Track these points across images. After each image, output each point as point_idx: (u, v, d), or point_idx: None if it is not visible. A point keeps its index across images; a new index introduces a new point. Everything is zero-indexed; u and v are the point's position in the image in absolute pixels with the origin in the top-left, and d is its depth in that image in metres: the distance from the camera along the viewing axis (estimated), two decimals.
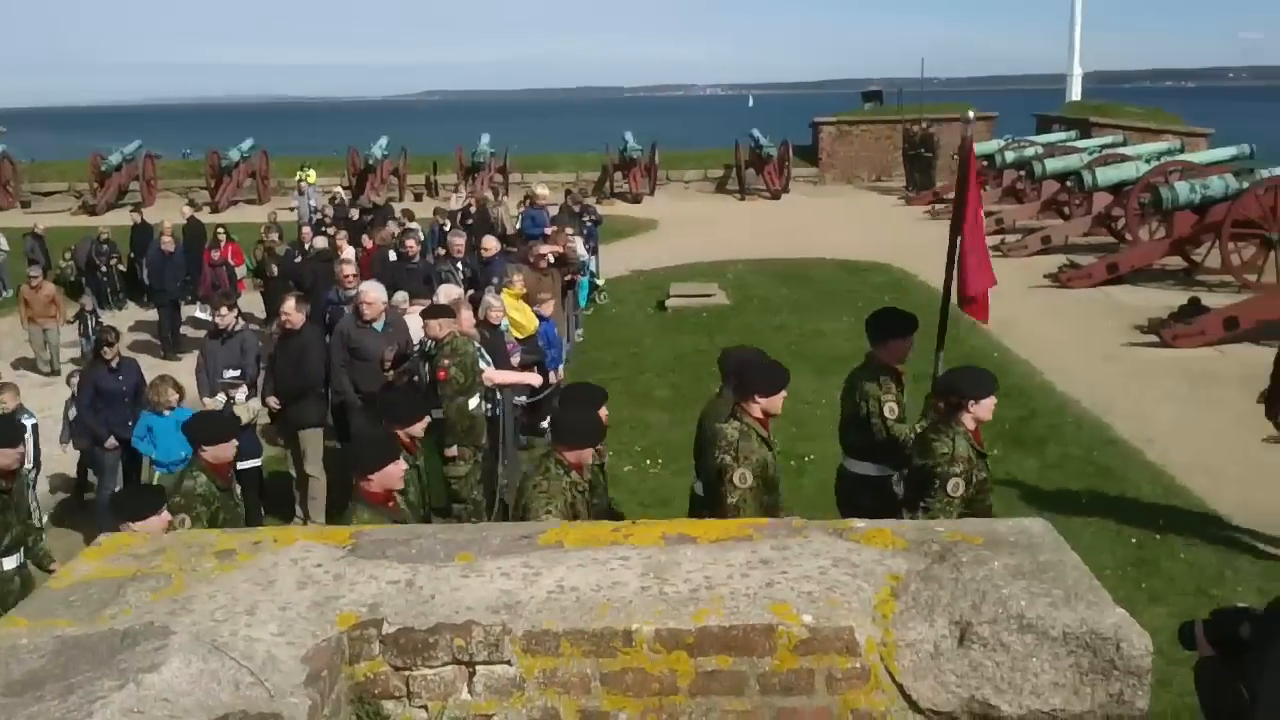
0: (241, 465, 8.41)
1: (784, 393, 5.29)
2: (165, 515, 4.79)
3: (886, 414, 5.72)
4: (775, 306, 16.13)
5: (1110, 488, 8.64)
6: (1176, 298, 14.64)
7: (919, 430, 5.55)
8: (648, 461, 9.81)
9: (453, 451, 7.90)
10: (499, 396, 8.71)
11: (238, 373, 8.77)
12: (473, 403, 8.02)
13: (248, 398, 8.71)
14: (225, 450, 5.49)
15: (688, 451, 10.03)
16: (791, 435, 9.67)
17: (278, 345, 8.82)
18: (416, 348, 8.49)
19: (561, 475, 5.05)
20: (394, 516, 4.76)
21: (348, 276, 10.35)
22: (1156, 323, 13.44)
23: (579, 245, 14.65)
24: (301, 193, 23.19)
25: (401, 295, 10.03)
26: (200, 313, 15.67)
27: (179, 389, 8.22)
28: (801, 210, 26.96)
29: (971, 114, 7.80)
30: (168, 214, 19.91)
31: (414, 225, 15.92)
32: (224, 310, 9.17)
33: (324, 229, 15.83)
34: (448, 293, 9.48)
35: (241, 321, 9.52)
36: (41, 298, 14.01)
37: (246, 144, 31.12)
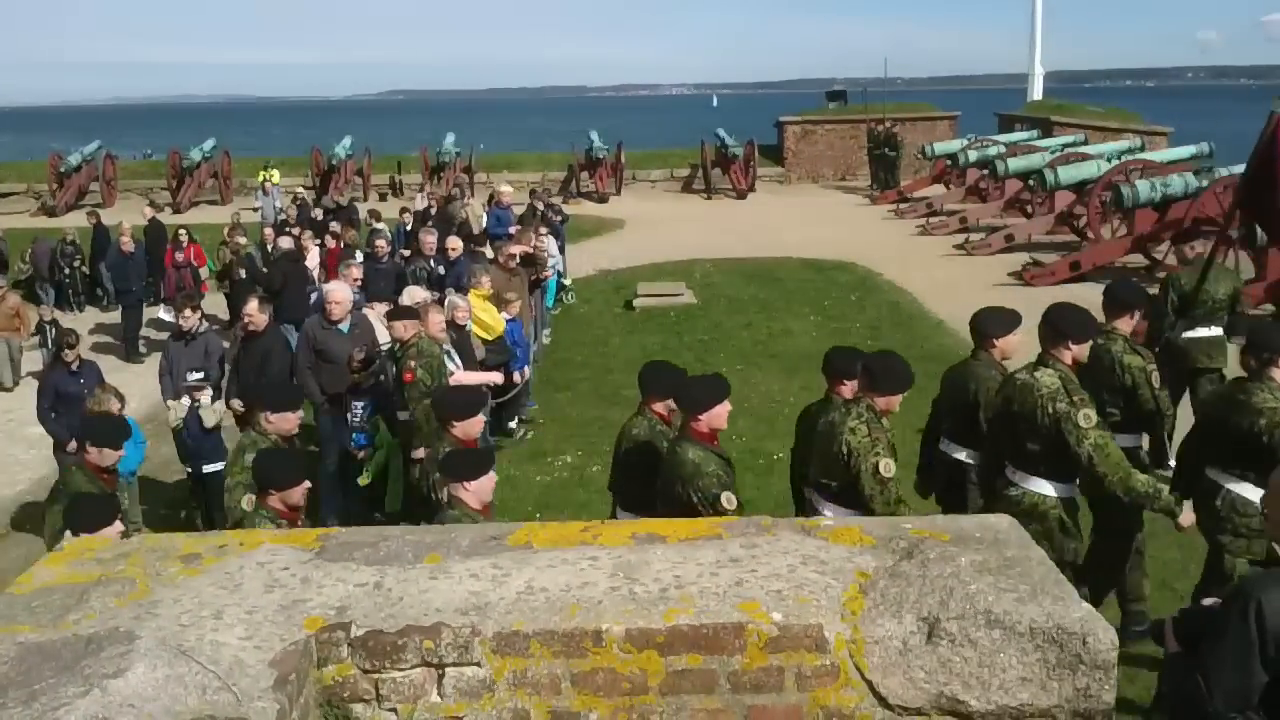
0: (207, 469, 8.35)
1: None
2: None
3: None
4: (742, 305, 16.19)
5: None
6: None
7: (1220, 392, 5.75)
8: None
9: (419, 453, 7.86)
10: None
11: (201, 375, 8.63)
12: None
13: (213, 400, 8.59)
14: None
15: None
16: (760, 434, 9.71)
17: (241, 347, 8.75)
18: (383, 349, 8.46)
19: (877, 421, 5.03)
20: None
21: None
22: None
23: (550, 244, 14.64)
24: (266, 193, 22.98)
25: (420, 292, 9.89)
26: (164, 314, 15.52)
27: (120, 397, 8.01)
28: (767, 209, 27.05)
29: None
30: (128, 215, 19.72)
31: (381, 225, 15.86)
32: (188, 312, 9.07)
33: (288, 229, 15.72)
34: (413, 294, 9.45)
35: (205, 323, 9.40)
36: (4, 309, 13.32)
37: (208, 144, 30.79)
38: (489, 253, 13.24)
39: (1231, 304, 8.95)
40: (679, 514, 4.72)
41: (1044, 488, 5.26)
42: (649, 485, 5.31)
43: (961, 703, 2.50)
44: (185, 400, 8.50)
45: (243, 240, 15.58)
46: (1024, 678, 2.49)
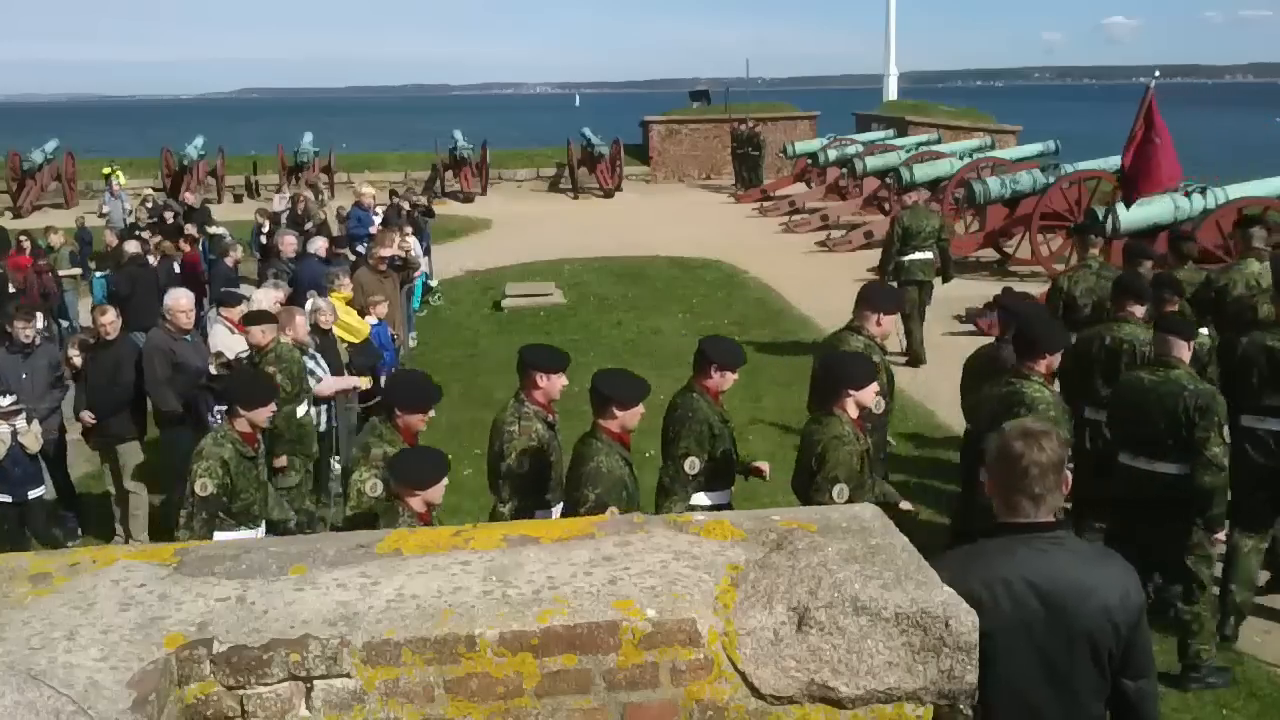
0: (32, 494, 7.93)
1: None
2: None
3: None
4: (612, 305, 16.23)
5: (943, 478, 8.87)
6: (991, 288, 15.37)
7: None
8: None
9: (281, 461, 7.65)
10: (333, 404, 8.50)
11: (13, 399, 7.88)
12: (300, 410, 7.79)
13: (28, 421, 7.93)
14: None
15: None
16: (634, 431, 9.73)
17: (90, 357, 8.37)
18: (244, 355, 8.20)
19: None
20: None
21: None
22: (974, 312, 14.10)
23: (415, 245, 14.44)
24: (115, 194, 22.02)
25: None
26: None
27: None
28: (634, 208, 27.20)
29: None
30: None
31: (221, 230, 15.48)
32: (19, 323, 8.49)
33: (137, 233, 15.13)
34: (266, 297, 9.18)
35: (38, 336, 8.78)
36: None
37: (51, 145, 29.36)
38: (349, 255, 13.00)
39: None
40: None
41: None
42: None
43: (832, 689, 2.55)
44: (4, 428, 7.77)
45: (56, 240, 14.96)
46: (891, 662, 2.55)
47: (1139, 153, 10.76)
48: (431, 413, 5.53)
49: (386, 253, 11.57)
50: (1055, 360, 5.92)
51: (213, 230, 15.26)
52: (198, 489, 5.56)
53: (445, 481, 4.84)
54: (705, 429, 5.71)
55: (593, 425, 5.30)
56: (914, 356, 12.43)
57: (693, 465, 5.69)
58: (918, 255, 12.45)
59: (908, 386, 11.42)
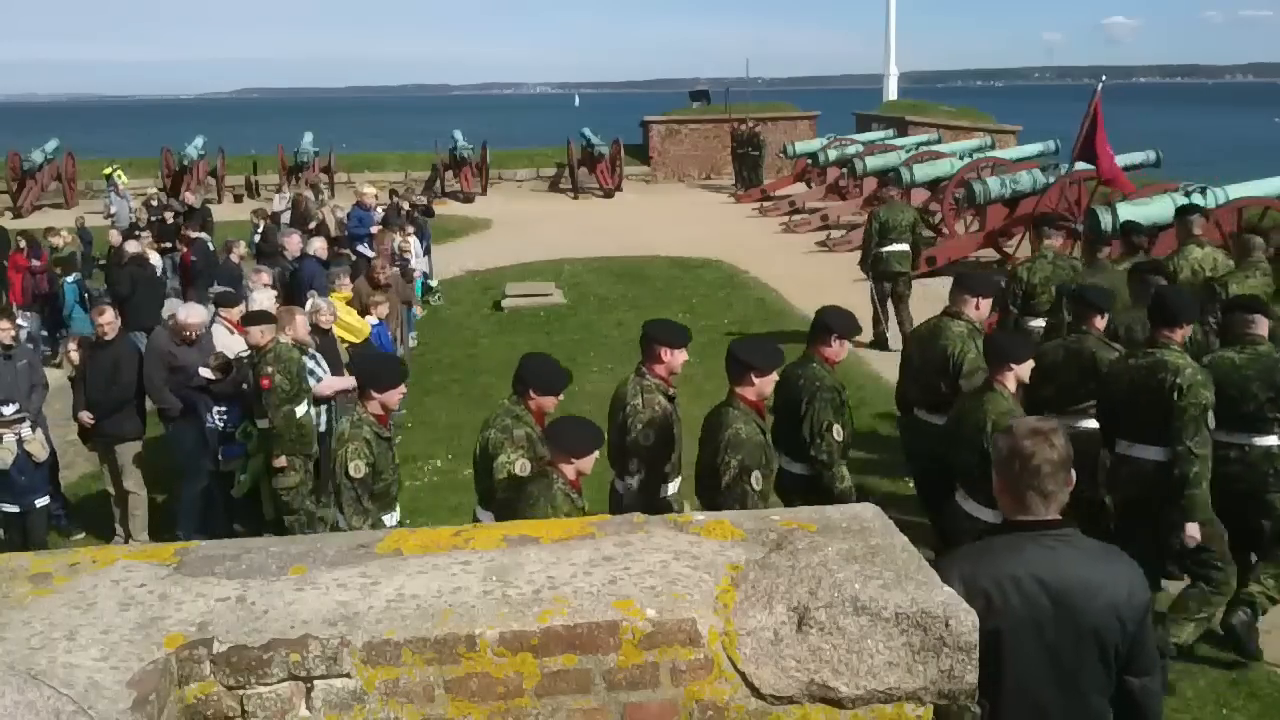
0: (39, 503, 7.83)
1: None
2: None
3: None
4: (612, 304, 16.23)
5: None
6: None
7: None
8: None
9: (281, 461, 7.67)
10: (333, 404, 8.51)
11: (15, 406, 7.75)
12: (300, 410, 7.80)
13: (33, 428, 7.86)
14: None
15: None
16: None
17: (89, 357, 8.36)
18: (242, 355, 8.20)
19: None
20: None
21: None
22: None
23: (415, 245, 14.44)
24: (120, 194, 22.01)
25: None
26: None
27: None
28: (634, 208, 27.19)
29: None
30: None
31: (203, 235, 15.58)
32: (4, 324, 8.40)
33: (137, 233, 15.13)
34: (261, 298, 9.19)
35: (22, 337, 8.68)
36: None
37: (50, 145, 29.34)
38: (350, 255, 13.01)
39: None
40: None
41: None
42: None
43: (832, 689, 2.55)
44: (10, 437, 7.63)
45: (59, 241, 14.95)
46: (891, 662, 2.55)
47: (1101, 150, 12.11)
48: (561, 396, 5.58)
49: (384, 272, 11.41)
50: (1189, 331, 6.14)
51: (194, 235, 15.25)
52: (351, 471, 5.46)
53: (597, 454, 4.99)
54: (835, 395, 5.79)
55: (729, 394, 5.31)
56: (879, 339, 13.22)
57: (838, 433, 5.71)
58: (894, 247, 13.21)
59: (885, 371, 11.50)
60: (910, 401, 7.09)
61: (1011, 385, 5.67)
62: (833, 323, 5.89)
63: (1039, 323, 8.96)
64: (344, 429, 5.66)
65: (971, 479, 5.43)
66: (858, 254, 19.44)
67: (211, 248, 15.14)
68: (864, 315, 11.35)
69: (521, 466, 5.23)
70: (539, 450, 5.22)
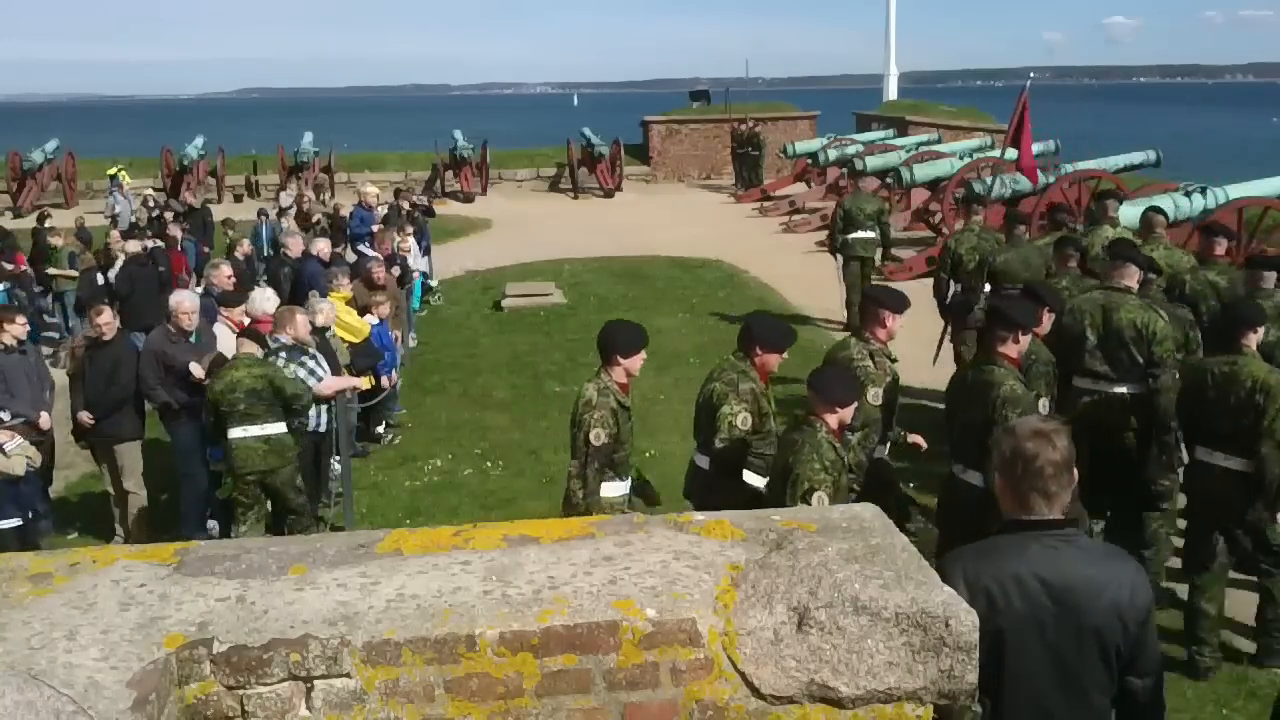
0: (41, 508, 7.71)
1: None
2: None
3: None
4: (612, 305, 16.21)
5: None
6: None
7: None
8: (488, 464, 9.73)
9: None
10: (333, 404, 8.50)
11: (5, 415, 7.59)
12: (234, 433, 7.75)
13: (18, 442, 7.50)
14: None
15: (526, 452, 10.02)
16: (635, 431, 9.74)
17: (87, 357, 8.35)
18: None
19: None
20: None
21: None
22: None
23: (412, 244, 14.43)
24: (124, 194, 22.01)
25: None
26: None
27: None
28: (635, 208, 27.20)
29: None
30: None
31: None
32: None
33: (137, 232, 15.14)
34: (261, 299, 9.18)
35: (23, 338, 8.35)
36: None
37: (51, 145, 29.35)
38: (349, 255, 13.00)
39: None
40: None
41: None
42: None
43: (832, 689, 2.55)
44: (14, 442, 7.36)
45: (58, 241, 14.94)
46: (891, 662, 2.55)
47: (1025, 142, 13.89)
48: (785, 354, 5.80)
49: (380, 274, 11.37)
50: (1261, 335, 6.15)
51: (181, 234, 15.25)
52: (592, 439, 5.45)
53: (857, 404, 5.18)
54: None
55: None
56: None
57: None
58: (860, 234, 14.07)
59: (914, 383, 11.45)
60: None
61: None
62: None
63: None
64: (590, 396, 5.58)
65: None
66: None
67: (208, 249, 15.14)
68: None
69: (743, 420, 5.52)
70: (762, 405, 5.56)
